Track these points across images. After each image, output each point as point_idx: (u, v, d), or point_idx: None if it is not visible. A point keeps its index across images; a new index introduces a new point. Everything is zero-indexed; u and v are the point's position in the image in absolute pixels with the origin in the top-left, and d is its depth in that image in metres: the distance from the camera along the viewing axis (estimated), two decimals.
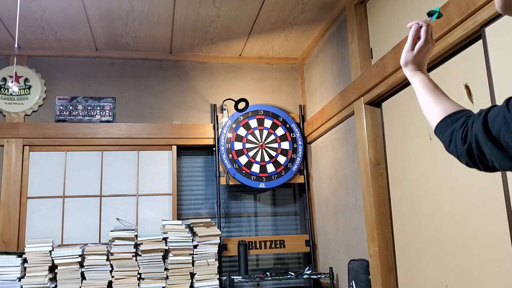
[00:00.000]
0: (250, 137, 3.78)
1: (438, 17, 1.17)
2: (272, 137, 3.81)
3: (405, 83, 2.44)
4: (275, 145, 3.79)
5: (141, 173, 3.66)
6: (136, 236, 3.17)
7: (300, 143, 3.83)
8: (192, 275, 3.20)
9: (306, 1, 3.11)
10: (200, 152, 3.88)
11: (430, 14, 1.16)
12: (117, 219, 3.46)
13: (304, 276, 3.40)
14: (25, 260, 2.99)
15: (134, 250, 3.13)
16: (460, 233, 2.02)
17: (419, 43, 1.14)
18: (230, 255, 3.63)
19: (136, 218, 3.58)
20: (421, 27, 1.14)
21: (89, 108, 3.68)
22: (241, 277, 3.29)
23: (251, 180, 3.68)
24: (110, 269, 3.07)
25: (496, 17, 1.74)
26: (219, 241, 3.32)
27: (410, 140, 2.42)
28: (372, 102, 2.75)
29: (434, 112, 1.06)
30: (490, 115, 0.86)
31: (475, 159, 0.91)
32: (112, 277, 3.06)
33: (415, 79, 1.15)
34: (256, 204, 3.93)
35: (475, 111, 0.97)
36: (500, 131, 0.82)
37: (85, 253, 3.06)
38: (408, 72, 1.17)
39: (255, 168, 3.71)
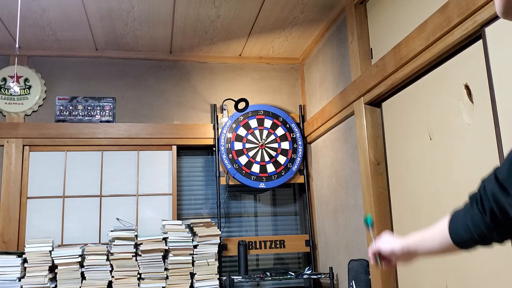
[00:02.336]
0: (250, 137, 3.78)
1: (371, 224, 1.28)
2: (272, 137, 3.81)
3: (405, 83, 2.45)
4: (275, 145, 3.79)
5: (141, 173, 3.66)
6: (136, 236, 3.17)
7: (300, 143, 3.83)
8: (192, 275, 3.20)
9: (306, 1, 3.11)
10: (200, 152, 3.88)
11: (368, 224, 1.27)
12: (117, 219, 3.46)
13: (304, 276, 3.40)
14: (25, 260, 2.99)
15: (134, 250, 3.13)
16: None
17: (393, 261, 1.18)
18: (230, 255, 3.63)
19: (136, 218, 3.58)
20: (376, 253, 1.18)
21: (89, 108, 3.68)
22: (241, 277, 3.29)
23: (251, 180, 3.68)
24: (110, 269, 3.07)
25: (496, 17, 1.74)
26: (219, 241, 3.32)
27: (410, 140, 2.42)
28: (372, 102, 2.75)
29: (439, 233, 1.02)
30: (499, 172, 0.83)
31: (501, 224, 0.86)
32: (112, 277, 3.06)
33: (411, 244, 1.12)
34: (256, 204, 3.93)
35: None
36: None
37: (85, 253, 3.06)
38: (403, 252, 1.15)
39: (255, 168, 3.71)
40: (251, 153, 3.74)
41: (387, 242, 1.17)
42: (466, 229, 0.93)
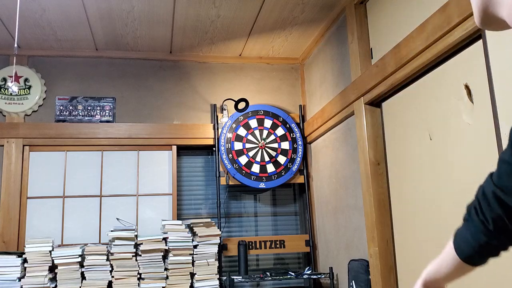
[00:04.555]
0: (250, 137, 3.78)
1: None
2: (272, 137, 3.81)
3: (405, 83, 2.44)
4: (275, 145, 3.79)
5: (141, 173, 3.66)
6: (136, 236, 3.17)
7: (300, 143, 3.82)
8: (192, 275, 3.20)
9: (306, 1, 3.11)
10: (200, 152, 3.88)
11: None
12: (117, 219, 3.46)
13: (304, 276, 3.40)
14: (25, 260, 2.99)
15: (134, 250, 3.13)
16: None
17: None
18: (230, 255, 3.63)
19: (136, 218, 3.58)
20: None
21: (89, 108, 3.68)
22: (241, 277, 3.29)
23: (251, 180, 3.68)
24: (110, 269, 3.07)
25: None
26: (219, 241, 3.32)
27: (410, 140, 2.42)
28: (372, 102, 2.75)
29: (449, 255, 0.95)
30: (495, 175, 0.80)
31: (507, 230, 0.80)
32: (112, 277, 3.06)
33: (430, 275, 1.01)
34: (256, 204, 3.93)
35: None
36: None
37: (85, 253, 3.06)
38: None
39: (255, 168, 3.71)
40: (251, 153, 3.74)
41: None
42: (467, 243, 0.88)
